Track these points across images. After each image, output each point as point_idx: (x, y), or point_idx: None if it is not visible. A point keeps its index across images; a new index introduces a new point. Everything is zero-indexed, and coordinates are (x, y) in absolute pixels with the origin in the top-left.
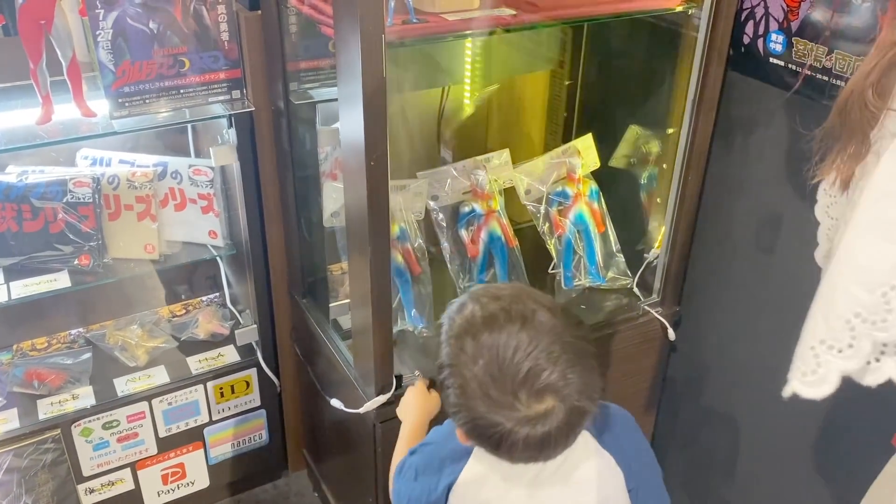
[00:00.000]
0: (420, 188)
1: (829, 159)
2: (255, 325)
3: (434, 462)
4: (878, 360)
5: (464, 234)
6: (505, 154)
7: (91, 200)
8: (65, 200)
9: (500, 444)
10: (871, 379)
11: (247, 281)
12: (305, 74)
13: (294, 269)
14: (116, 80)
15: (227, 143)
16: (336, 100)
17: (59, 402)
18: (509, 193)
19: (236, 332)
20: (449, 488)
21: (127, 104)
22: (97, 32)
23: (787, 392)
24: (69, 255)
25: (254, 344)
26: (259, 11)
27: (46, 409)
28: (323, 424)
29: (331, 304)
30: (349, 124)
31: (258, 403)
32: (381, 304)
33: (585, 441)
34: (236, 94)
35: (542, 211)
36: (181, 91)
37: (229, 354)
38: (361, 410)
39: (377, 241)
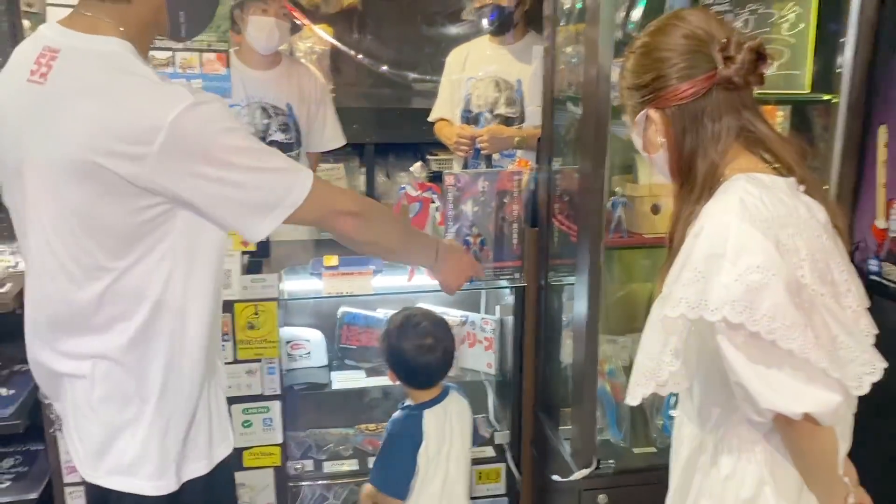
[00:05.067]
0: (626, 344)
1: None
2: (508, 431)
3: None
4: (663, 385)
5: None
6: None
7: None
8: None
9: None
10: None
11: (506, 399)
12: (558, 267)
13: (538, 393)
14: None
15: (508, 304)
16: (573, 284)
17: None
18: None
19: (495, 434)
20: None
21: None
22: (447, 234)
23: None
24: None
25: (505, 445)
26: (536, 228)
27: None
28: None
29: (560, 428)
30: (580, 306)
31: (503, 492)
32: (588, 414)
33: None
34: (516, 276)
35: None
36: (486, 271)
37: (488, 450)
38: (572, 477)
39: (589, 379)
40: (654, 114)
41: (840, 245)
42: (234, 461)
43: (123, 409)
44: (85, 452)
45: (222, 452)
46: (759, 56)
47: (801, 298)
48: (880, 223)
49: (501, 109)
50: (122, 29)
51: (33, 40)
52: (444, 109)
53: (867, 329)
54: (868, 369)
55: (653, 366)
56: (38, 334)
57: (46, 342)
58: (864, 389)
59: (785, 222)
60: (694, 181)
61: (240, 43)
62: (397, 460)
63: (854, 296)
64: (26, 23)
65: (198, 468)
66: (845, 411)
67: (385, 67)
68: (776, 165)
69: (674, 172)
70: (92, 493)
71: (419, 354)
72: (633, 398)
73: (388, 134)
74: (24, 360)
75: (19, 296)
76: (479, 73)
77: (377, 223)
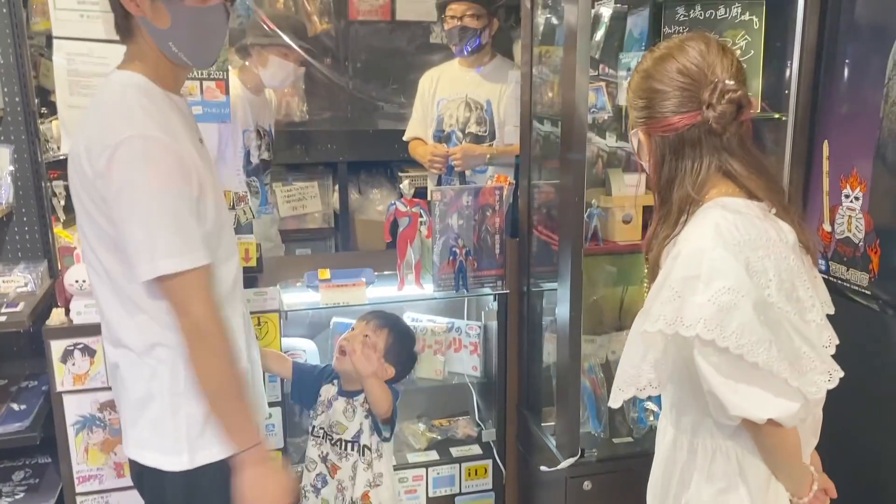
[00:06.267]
0: (603, 342)
1: None
2: (494, 429)
3: None
4: (642, 390)
5: None
6: None
7: None
8: None
9: None
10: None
11: (491, 400)
12: (538, 273)
13: (522, 392)
14: (439, 271)
15: (492, 310)
16: (552, 289)
17: None
18: None
19: (482, 432)
20: None
21: (442, 284)
22: (434, 246)
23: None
24: None
25: (491, 443)
26: (517, 238)
27: None
28: (532, 496)
29: (543, 424)
30: (563, 309)
31: (490, 487)
32: (573, 408)
33: None
34: (499, 283)
35: None
36: (471, 279)
37: (475, 448)
38: (559, 466)
39: (573, 375)
40: (642, 136)
41: (808, 262)
42: None
43: (143, 388)
44: (122, 429)
45: None
46: (740, 107)
47: (767, 316)
48: (826, 227)
49: (472, 128)
50: (138, 63)
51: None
52: (418, 129)
53: (829, 340)
54: (826, 378)
55: (634, 373)
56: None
57: (104, 336)
58: (822, 394)
59: (756, 245)
60: (671, 206)
61: (243, 67)
62: None
63: (818, 311)
64: None
65: (213, 453)
66: (810, 411)
67: (357, 90)
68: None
69: (654, 190)
70: (133, 470)
71: None
72: (615, 402)
73: (359, 153)
74: (32, 377)
75: (32, 314)
76: (450, 95)
77: (208, 352)
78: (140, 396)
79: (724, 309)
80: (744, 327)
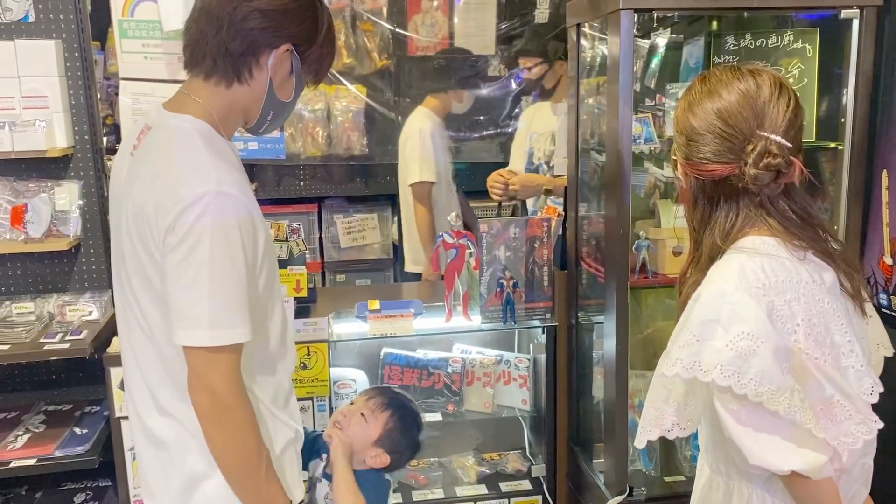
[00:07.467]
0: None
1: None
2: (544, 465)
3: None
4: (668, 431)
5: None
6: None
7: (460, 372)
8: (446, 370)
9: None
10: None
11: (542, 434)
12: (586, 307)
13: (572, 427)
14: (487, 303)
15: (541, 343)
16: (601, 322)
17: (426, 495)
18: None
19: (532, 467)
20: None
21: (489, 316)
22: (481, 279)
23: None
24: (443, 403)
25: (541, 478)
26: (566, 271)
27: (418, 496)
28: None
29: (593, 460)
30: (609, 343)
31: None
32: (620, 445)
33: None
34: (548, 316)
35: None
36: (519, 311)
37: (525, 483)
38: None
39: (620, 411)
40: (680, 171)
41: (848, 304)
42: None
43: (199, 461)
44: None
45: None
46: (779, 173)
47: (791, 363)
48: (888, 259)
49: (555, 160)
50: (208, 109)
51: (141, 120)
52: (514, 161)
53: (870, 388)
54: (864, 428)
55: (657, 414)
56: None
57: (138, 404)
58: (858, 445)
59: (783, 288)
60: (702, 250)
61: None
62: None
63: (857, 356)
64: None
65: None
66: (855, 461)
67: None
68: None
69: (689, 227)
70: None
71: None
72: (640, 443)
73: None
74: (95, 402)
75: (94, 342)
76: (539, 129)
77: (232, 427)
78: (197, 471)
79: (742, 355)
80: (763, 374)
